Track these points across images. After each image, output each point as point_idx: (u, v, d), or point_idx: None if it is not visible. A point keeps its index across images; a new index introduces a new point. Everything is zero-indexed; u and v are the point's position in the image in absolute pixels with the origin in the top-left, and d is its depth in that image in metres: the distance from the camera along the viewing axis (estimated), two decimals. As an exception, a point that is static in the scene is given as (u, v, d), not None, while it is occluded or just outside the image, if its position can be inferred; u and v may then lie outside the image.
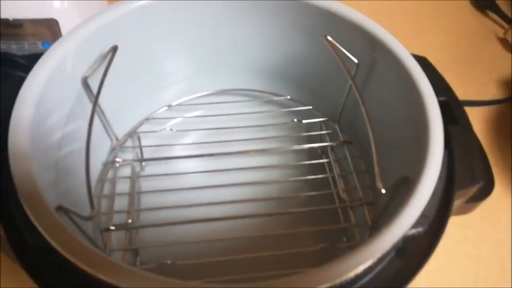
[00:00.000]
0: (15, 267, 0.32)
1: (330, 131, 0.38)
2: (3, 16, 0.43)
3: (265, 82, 0.40)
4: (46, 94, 0.28)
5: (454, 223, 0.38)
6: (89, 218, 0.24)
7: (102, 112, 0.34)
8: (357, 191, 0.34)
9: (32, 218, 0.22)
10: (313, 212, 0.34)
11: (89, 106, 0.32)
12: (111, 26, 0.31)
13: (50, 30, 0.45)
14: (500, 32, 0.58)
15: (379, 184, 0.25)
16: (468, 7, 0.63)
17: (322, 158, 0.37)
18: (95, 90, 0.31)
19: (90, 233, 0.31)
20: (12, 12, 0.44)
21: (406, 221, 0.22)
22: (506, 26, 0.58)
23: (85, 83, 0.31)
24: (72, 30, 0.30)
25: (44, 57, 0.29)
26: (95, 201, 0.29)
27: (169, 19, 0.35)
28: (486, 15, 0.61)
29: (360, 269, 0.21)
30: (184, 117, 0.39)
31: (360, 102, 0.29)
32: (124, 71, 0.34)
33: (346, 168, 0.36)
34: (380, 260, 0.23)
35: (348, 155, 0.36)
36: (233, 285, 0.20)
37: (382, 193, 0.25)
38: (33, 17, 0.44)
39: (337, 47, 0.32)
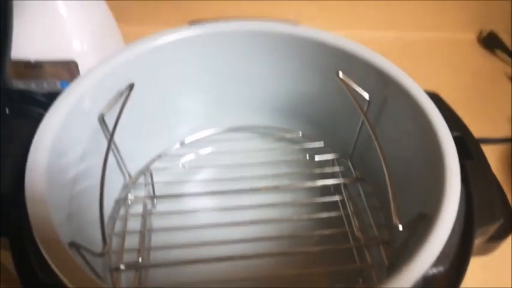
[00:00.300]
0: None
1: (342, 168, 0.38)
2: (24, 57, 0.45)
3: (277, 119, 0.41)
4: (63, 132, 0.28)
5: (474, 266, 0.37)
6: (101, 255, 0.23)
7: (117, 149, 0.34)
8: (371, 229, 0.33)
9: (45, 255, 0.21)
10: (328, 251, 0.33)
11: (104, 143, 0.32)
12: (127, 64, 0.32)
13: (69, 71, 0.46)
14: (509, 71, 0.58)
15: (395, 220, 0.25)
16: (477, 47, 0.63)
17: (335, 195, 0.36)
18: (110, 127, 0.31)
19: (99, 271, 0.30)
20: (33, 53, 0.45)
21: (426, 259, 0.21)
22: (515, 64, 0.59)
23: (101, 120, 0.32)
24: (90, 69, 0.31)
25: (62, 95, 0.30)
26: (108, 243, 0.29)
27: (184, 59, 0.36)
28: (495, 54, 0.62)
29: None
30: (197, 154, 0.40)
31: (373, 138, 0.29)
32: (139, 108, 0.35)
33: (360, 205, 0.35)
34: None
35: (361, 192, 0.35)
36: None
37: (399, 230, 0.25)
38: (53, 59, 0.46)
39: (349, 84, 0.32)
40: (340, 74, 0.33)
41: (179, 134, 0.40)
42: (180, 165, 0.38)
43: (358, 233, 0.33)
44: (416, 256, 0.21)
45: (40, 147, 0.26)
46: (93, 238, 0.27)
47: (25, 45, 0.45)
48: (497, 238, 0.28)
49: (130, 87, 0.33)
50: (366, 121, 0.31)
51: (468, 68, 0.60)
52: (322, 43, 0.34)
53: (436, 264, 0.22)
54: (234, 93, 0.39)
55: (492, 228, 0.26)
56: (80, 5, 0.50)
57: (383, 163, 0.27)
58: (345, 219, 0.35)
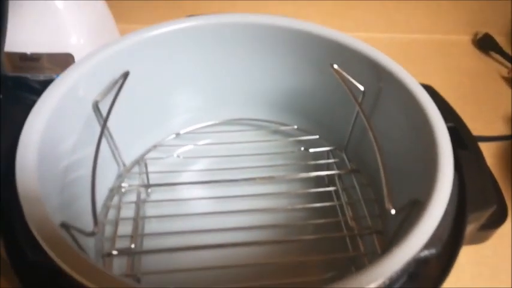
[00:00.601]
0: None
1: (337, 160, 0.38)
2: (21, 50, 0.45)
3: (273, 112, 0.41)
4: (56, 117, 0.28)
5: (468, 259, 0.37)
6: (92, 234, 0.23)
7: (111, 137, 0.34)
8: (365, 219, 0.34)
9: (35, 234, 0.21)
10: (321, 240, 0.33)
11: (99, 131, 0.33)
12: (123, 53, 0.32)
13: (65, 64, 0.46)
14: (504, 72, 0.59)
15: (388, 205, 0.25)
16: (471, 49, 0.64)
17: (329, 186, 0.36)
18: (105, 115, 0.31)
19: (92, 256, 0.30)
20: (30, 46, 0.45)
21: (418, 240, 0.21)
22: (510, 65, 0.59)
23: (96, 108, 0.32)
24: (85, 56, 0.31)
25: (56, 81, 0.30)
26: (100, 225, 0.29)
27: (180, 50, 0.36)
28: (489, 55, 0.62)
29: (371, 288, 0.20)
30: (192, 145, 0.40)
31: (368, 127, 0.29)
32: (134, 98, 0.35)
33: (354, 196, 0.35)
34: (392, 283, 0.22)
35: (355, 183, 0.36)
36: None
37: (391, 215, 0.25)
38: (50, 52, 0.46)
39: (344, 75, 0.32)
40: (335, 66, 0.33)
41: (174, 125, 0.40)
42: (175, 156, 0.38)
43: (351, 223, 0.33)
44: (408, 237, 0.21)
45: (31, 131, 0.26)
46: (86, 223, 0.27)
47: (21, 38, 0.45)
48: (490, 226, 0.29)
49: (125, 75, 0.33)
50: (360, 111, 0.31)
51: (463, 69, 0.60)
52: (317, 36, 0.34)
53: (428, 246, 0.22)
54: (229, 85, 0.39)
55: (485, 215, 0.26)
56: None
57: (376, 149, 0.28)
58: (338, 210, 0.35)
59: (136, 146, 0.38)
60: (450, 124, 0.29)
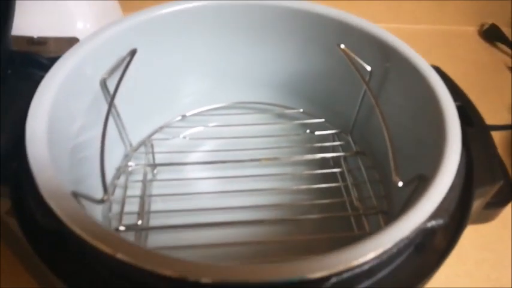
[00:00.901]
0: (15, 269, 0.32)
1: (342, 143, 0.38)
2: (28, 34, 0.45)
3: (278, 95, 0.41)
4: (64, 93, 0.28)
5: (473, 245, 0.37)
6: (101, 201, 0.23)
7: (119, 116, 0.34)
8: (370, 200, 0.34)
9: (46, 199, 0.21)
10: (326, 220, 0.33)
11: (106, 109, 0.33)
12: (131, 31, 0.33)
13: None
14: (510, 62, 0.59)
15: (395, 178, 0.25)
16: (477, 39, 0.64)
17: (334, 168, 0.36)
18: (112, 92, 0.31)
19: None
20: (36, 30, 0.46)
21: (425, 209, 0.21)
22: (516, 55, 0.59)
23: (103, 85, 0.32)
24: (93, 33, 0.32)
25: (64, 56, 0.30)
26: (108, 195, 0.29)
27: (187, 31, 0.36)
28: (496, 46, 0.62)
29: (371, 255, 0.20)
30: (198, 127, 0.40)
31: (375, 104, 0.29)
32: (142, 78, 0.35)
33: (359, 178, 0.36)
34: (399, 252, 0.22)
35: (361, 165, 0.36)
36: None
37: (398, 192, 0.25)
38: (57, 36, 0.46)
39: (351, 55, 0.33)
40: (342, 46, 0.33)
41: (181, 107, 0.40)
42: (181, 137, 0.39)
43: (357, 203, 0.33)
44: (416, 207, 0.22)
45: (40, 104, 0.26)
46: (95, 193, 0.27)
47: (28, 22, 0.45)
48: (495, 205, 0.29)
49: (133, 52, 0.33)
50: (368, 90, 0.31)
51: (469, 59, 0.60)
52: (324, 16, 0.34)
53: (435, 216, 0.22)
54: (235, 68, 0.39)
55: (491, 191, 0.26)
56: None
57: (383, 125, 0.28)
58: (343, 190, 0.35)
59: (142, 126, 0.38)
60: (457, 103, 0.29)
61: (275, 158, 0.37)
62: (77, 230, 0.20)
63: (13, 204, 0.23)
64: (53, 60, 0.30)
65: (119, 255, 0.19)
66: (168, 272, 0.19)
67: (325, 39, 0.35)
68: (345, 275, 0.19)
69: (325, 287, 0.19)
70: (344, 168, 0.36)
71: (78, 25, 0.49)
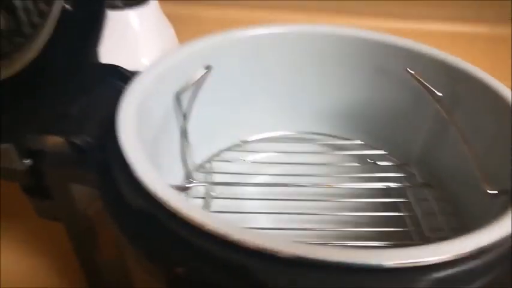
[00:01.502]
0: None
1: (405, 174, 0.37)
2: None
3: (339, 126, 0.41)
4: (144, 101, 0.29)
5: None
6: (185, 188, 0.23)
7: (186, 134, 0.35)
8: (443, 232, 0.32)
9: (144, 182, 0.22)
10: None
11: (176, 123, 0.34)
12: (207, 51, 0.34)
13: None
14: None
15: (484, 186, 0.24)
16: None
17: (397, 198, 0.35)
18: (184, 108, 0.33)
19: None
20: (107, 60, 0.49)
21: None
22: None
23: (177, 99, 0.33)
24: (171, 51, 0.33)
25: (145, 70, 0.32)
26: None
27: (261, 55, 0.37)
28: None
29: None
30: (258, 153, 0.40)
31: (450, 122, 0.29)
32: (208, 98, 0.36)
33: (428, 209, 0.34)
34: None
35: (428, 196, 0.34)
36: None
37: (489, 195, 0.23)
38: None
39: (420, 80, 0.33)
40: (410, 71, 0.34)
41: (243, 131, 0.40)
42: (242, 160, 0.39)
43: (428, 233, 0.32)
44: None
45: (129, 101, 0.28)
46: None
47: (101, 52, 0.48)
48: None
49: (208, 69, 0.34)
50: (442, 112, 0.31)
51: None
52: (392, 45, 0.35)
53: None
54: (300, 97, 0.40)
55: None
56: (153, 23, 0.55)
57: (460, 138, 0.27)
58: (408, 221, 0.34)
59: (203, 147, 0.38)
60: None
61: (334, 187, 0.36)
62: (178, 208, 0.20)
63: (101, 189, 0.23)
64: (134, 74, 0.32)
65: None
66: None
67: (393, 67, 0.35)
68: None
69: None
70: (410, 198, 0.35)
71: (144, 61, 0.53)
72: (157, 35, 0.55)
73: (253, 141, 0.41)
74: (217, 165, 0.38)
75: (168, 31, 0.57)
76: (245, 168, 0.38)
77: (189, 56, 0.33)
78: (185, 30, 0.59)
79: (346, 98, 0.39)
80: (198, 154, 0.38)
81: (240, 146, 0.40)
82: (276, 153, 0.40)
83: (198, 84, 0.34)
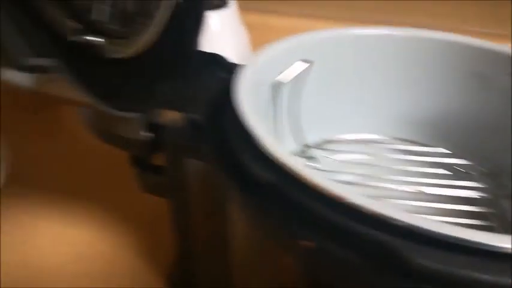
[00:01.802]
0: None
1: (496, 184, 0.36)
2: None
3: (424, 133, 0.41)
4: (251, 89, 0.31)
5: None
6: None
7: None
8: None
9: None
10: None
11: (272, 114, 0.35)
12: (311, 45, 0.36)
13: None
14: None
15: None
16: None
17: (484, 208, 0.35)
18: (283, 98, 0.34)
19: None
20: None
21: None
22: None
23: (275, 91, 0.34)
24: (276, 43, 0.35)
25: (252, 58, 0.33)
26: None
27: (361, 56, 0.38)
28: None
29: None
30: (340, 153, 0.40)
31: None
32: (303, 92, 0.37)
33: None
34: None
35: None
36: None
37: None
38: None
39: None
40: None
41: (326, 131, 0.41)
42: (328, 159, 0.39)
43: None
44: None
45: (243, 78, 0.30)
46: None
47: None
48: None
49: (310, 64, 0.35)
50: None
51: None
52: (490, 50, 0.35)
53: None
54: (389, 102, 0.40)
55: None
56: (231, 27, 0.57)
57: None
58: (500, 231, 0.33)
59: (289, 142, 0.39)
60: None
61: (419, 191, 0.36)
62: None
63: (219, 165, 0.24)
64: (234, 64, 0.34)
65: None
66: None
67: (491, 73, 0.35)
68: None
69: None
70: (499, 209, 0.34)
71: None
72: (234, 39, 0.57)
73: (337, 141, 0.41)
74: (303, 162, 0.38)
75: (244, 36, 0.59)
76: (330, 166, 0.39)
77: (293, 50, 0.35)
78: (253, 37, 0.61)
79: (437, 105, 0.39)
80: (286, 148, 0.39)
81: (325, 144, 0.41)
82: (359, 155, 0.40)
83: (298, 78, 0.35)
